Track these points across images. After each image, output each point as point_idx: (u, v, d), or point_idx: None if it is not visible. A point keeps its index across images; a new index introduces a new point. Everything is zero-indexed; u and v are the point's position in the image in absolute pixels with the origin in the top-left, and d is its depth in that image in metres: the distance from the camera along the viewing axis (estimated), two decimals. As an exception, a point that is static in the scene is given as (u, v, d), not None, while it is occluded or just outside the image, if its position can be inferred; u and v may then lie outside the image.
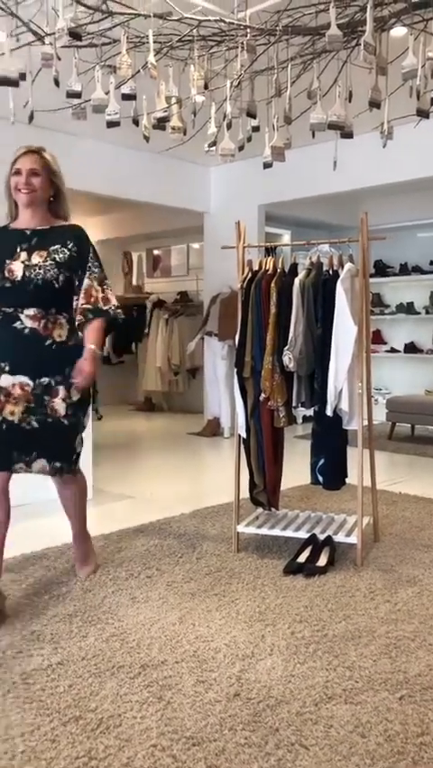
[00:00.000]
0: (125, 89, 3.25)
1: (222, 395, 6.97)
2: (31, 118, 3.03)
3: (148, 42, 3.21)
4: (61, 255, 2.56)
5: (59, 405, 2.55)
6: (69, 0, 2.79)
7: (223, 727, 1.81)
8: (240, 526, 3.30)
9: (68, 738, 1.77)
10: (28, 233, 2.61)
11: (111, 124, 3.13)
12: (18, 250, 2.55)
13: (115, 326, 2.69)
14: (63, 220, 2.69)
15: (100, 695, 1.98)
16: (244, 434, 3.26)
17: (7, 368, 2.52)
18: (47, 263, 2.53)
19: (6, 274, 2.52)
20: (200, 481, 5.26)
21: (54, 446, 2.58)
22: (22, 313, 2.52)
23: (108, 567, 3.03)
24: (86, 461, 4.37)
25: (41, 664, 2.16)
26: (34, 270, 2.51)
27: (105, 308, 2.60)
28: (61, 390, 2.55)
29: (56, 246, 2.57)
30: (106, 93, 3.21)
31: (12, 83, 2.71)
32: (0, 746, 1.73)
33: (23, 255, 2.55)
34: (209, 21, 3.17)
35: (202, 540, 3.43)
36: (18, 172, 2.59)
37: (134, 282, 10.02)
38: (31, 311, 2.52)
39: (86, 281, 2.59)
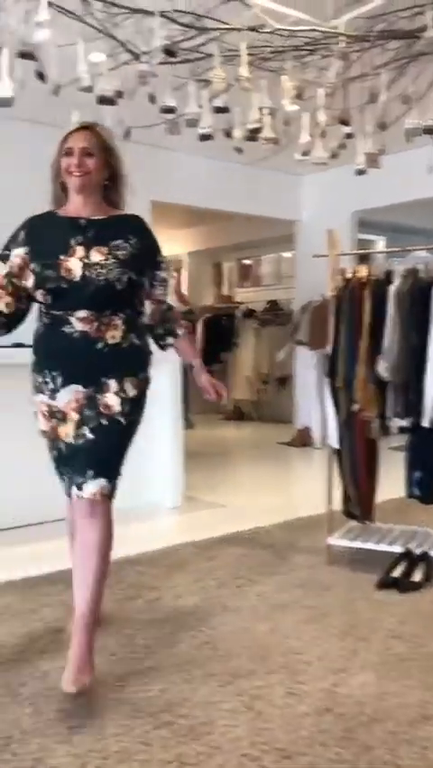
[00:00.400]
0: (218, 103, 3.30)
1: (313, 404, 6.85)
2: (127, 134, 3.12)
3: (241, 56, 3.25)
4: (123, 252, 2.16)
5: (112, 399, 2.15)
6: (164, 19, 2.86)
7: (314, 742, 1.79)
8: (332, 539, 3.25)
9: (160, 742, 1.79)
10: (83, 222, 2.19)
11: (204, 138, 3.19)
12: (72, 243, 2.16)
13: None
14: (119, 209, 2.30)
15: (191, 701, 1.99)
16: (336, 445, 3.22)
17: (60, 380, 2.16)
18: (109, 262, 2.13)
19: (63, 273, 2.12)
20: (291, 492, 5.22)
21: (111, 454, 2.18)
22: (72, 315, 2.14)
23: (199, 575, 3.06)
24: (177, 468, 4.48)
25: (133, 668, 2.20)
26: (96, 270, 2.12)
27: (184, 310, 2.54)
28: (113, 384, 2.15)
29: (117, 241, 2.17)
30: (200, 107, 3.27)
31: (109, 102, 2.81)
32: (95, 745, 1.77)
33: (80, 251, 2.14)
34: (302, 30, 3.17)
35: (293, 551, 3.40)
36: (69, 152, 2.18)
37: (224, 292, 10.11)
38: (82, 313, 2.13)
39: (171, 281, 2.33)
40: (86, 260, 2.13)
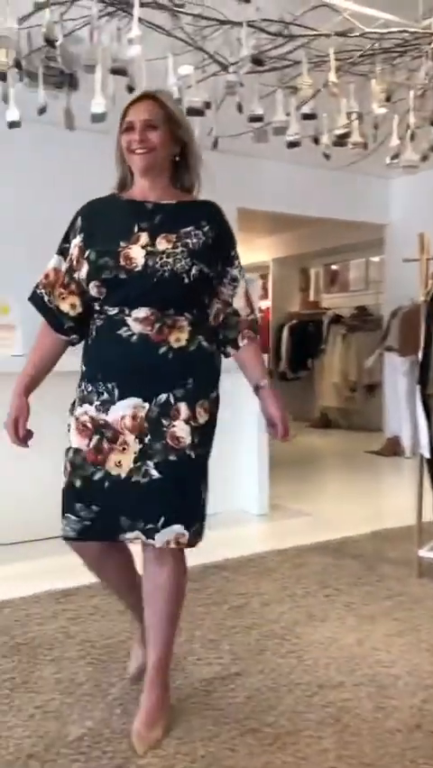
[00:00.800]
0: (306, 109, 3.30)
1: (403, 413, 6.73)
2: (215, 144, 3.16)
3: (329, 61, 3.23)
4: (195, 240, 1.84)
5: (182, 430, 1.80)
6: (252, 29, 2.88)
7: (403, 759, 1.75)
8: (423, 551, 3.16)
9: (246, 749, 1.79)
10: (149, 206, 1.88)
11: (292, 145, 3.19)
12: (136, 229, 1.84)
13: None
14: (192, 192, 1.98)
15: (277, 710, 1.99)
16: (427, 455, 3.13)
17: (116, 392, 1.82)
18: (177, 250, 1.81)
19: (122, 261, 1.80)
20: (379, 502, 5.11)
21: (186, 497, 1.83)
22: (130, 315, 1.81)
23: (286, 583, 3.04)
24: (262, 476, 4.48)
25: (219, 673, 2.21)
26: (161, 259, 1.80)
27: (252, 318, 1.98)
28: (183, 409, 1.81)
29: (188, 228, 1.85)
30: (287, 114, 3.28)
31: (198, 113, 2.86)
32: (182, 748, 1.79)
33: (144, 237, 1.82)
34: (392, 32, 3.13)
35: (381, 562, 3.33)
36: (130, 127, 1.85)
37: (311, 298, 10.03)
38: (142, 312, 1.81)
39: (241, 281, 1.94)
40: (150, 248, 1.81)
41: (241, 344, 1.95)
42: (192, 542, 1.82)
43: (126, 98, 3.03)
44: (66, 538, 1.87)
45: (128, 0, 2.77)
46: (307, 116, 3.33)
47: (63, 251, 1.94)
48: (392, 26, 3.21)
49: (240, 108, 3.10)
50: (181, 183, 1.95)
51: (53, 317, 1.94)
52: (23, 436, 1.89)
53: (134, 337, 1.82)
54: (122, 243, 1.82)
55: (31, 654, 2.34)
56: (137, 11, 2.64)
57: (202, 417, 1.84)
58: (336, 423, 9.15)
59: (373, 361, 7.19)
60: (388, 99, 3.33)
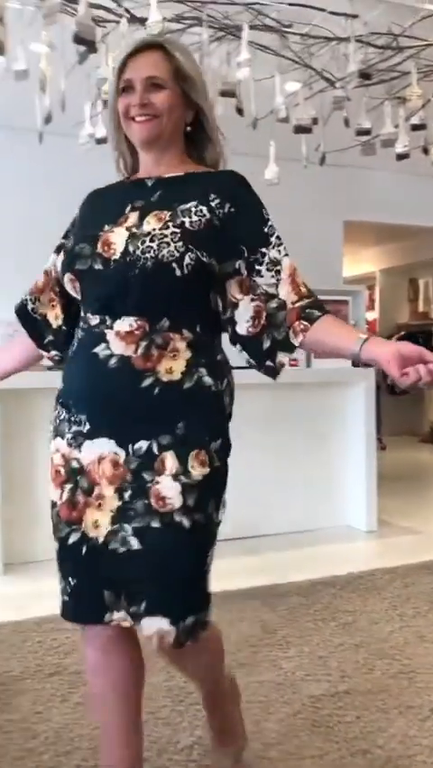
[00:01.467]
0: (415, 120, 3.25)
1: None
2: (322, 160, 3.18)
3: (439, 69, 3.18)
4: (196, 219, 1.37)
5: (168, 488, 1.33)
6: (360, 44, 2.88)
7: None
8: None
9: (355, 770, 1.78)
10: (149, 183, 1.45)
11: (401, 157, 3.15)
12: (128, 209, 1.41)
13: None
14: (211, 167, 1.50)
15: (388, 732, 1.95)
16: None
17: (87, 427, 1.39)
18: (167, 231, 1.34)
19: (100, 248, 1.37)
20: None
21: (166, 583, 1.34)
22: (111, 328, 1.36)
23: (395, 602, 2.98)
24: (370, 491, 4.40)
25: (328, 690, 2.20)
26: (143, 243, 1.33)
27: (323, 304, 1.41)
28: (170, 460, 1.34)
29: (189, 204, 1.38)
30: (396, 126, 3.25)
31: (306, 130, 2.88)
32: (291, 764, 1.80)
33: (133, 217, 1.39)
34: None
35: None
36: (129, 86, 1.41)
37: (421, 309, 9.78)
38: (125, 323, 1.35)
39: (284, 260, 1.40)
40: (134, 230, 1.36)
41: (296, 343, 1.38)
42: (182, 640, 1.33)
43: (236, 120, 3.13)
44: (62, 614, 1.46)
45: (238, 24, 2.84)
46: (416, 127, 3.29)
47: (59, 250, 1.55)
48: None
49: (347, 123, 3.11)
50: (198, 155, 1.49)
51: (35, 328, 1.57)
52: None
53: (113, 360, 1.36)
54: (106, 227, 1.39)
55: (146, 660, 2.41)
56: (246, 34, 2.70)
57: (198, 471, 1.35)
58: (448, 437, 8.85)
59: None
60: None
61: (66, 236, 1.55)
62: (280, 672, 2.33)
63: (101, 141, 2.93)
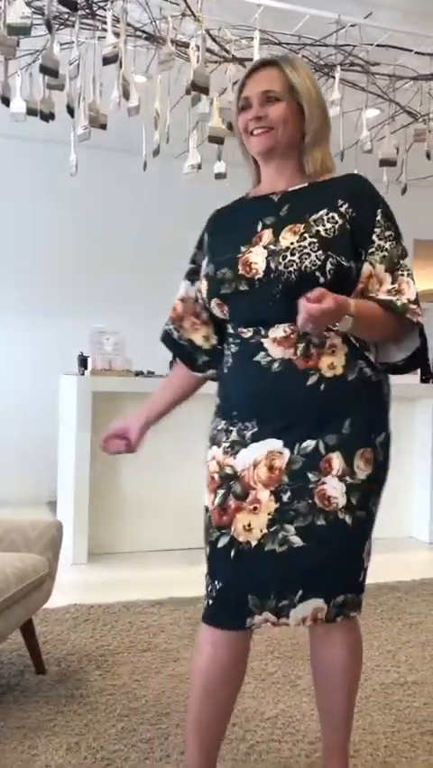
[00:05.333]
0: None
1: None
2: (404, 191, 3.38)
3: None
4: (330, 226, 1.44)
5: (334, 488, 1.43)
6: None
7: None
8: None
9: (425, 746, 1.97)
10: (276, 198, 1.52)
11: None
12: (259, 228, 1.49)
13: (422, 351, 1.52)
14: (330, 172, 1.56)
15: (454, 718, 2.14)
16: None
17: (250, 432, 1.48)
18: (305, 243, 1.42)
19: (242, 269, 1.46)
20: None
21: (333, 567, 1.45)
22: (267, 336, 1.45)
23: (459, 607, 3.15)
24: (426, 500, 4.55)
25: (397, 680, 2.39)
26: (284, 259, 1.42)
27: (385, 298, 1.46)
28: (337, 461, 1.43)
29: (321, 212, 1.45)
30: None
31: (391, 164, 3.10)
32: (366, 737, 2.01)
33: (267, 235, 1.47)
34: None
35: None
36: (247, 104, 1.51)
37: None
38: (279, 330, 1.44)
39: (365, 266, 1.46)
40: (272, 247, 1.44)
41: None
42: (333, 615, 1.45)
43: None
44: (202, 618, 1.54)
45: (330, 63, 3.08)
46: None
47: (190, 276, 1.65)
48: None
49: (429, 156, 3.30)
50: (314, 167, 1.53)
51: (185, 354, 1.68)
52: (104, 438, 1.76)
53: (275, 364, 1.44)
54: (242, 249, 1.48)
55: (225, 644, 2.66)
56: (338, 75, 2.94)
57: (363, 472, 1.45)
58: None
59: None
60: None
61: (194, 260, 1.65)
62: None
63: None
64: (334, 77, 3.02)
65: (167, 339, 1.71)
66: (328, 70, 3.11)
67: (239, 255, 1.48)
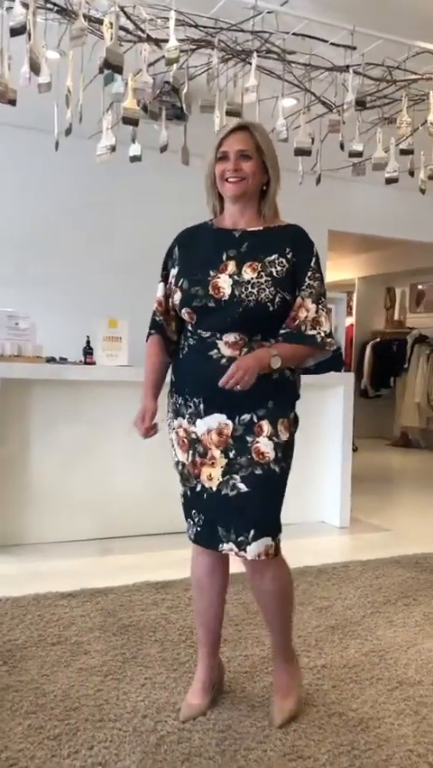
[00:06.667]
0: (404, 145, 3.50)
1: None
2: (318, 181, 3.41)
3: (427, 100, 3.43)
4: (279, 268, 1.93)
5: (265, 445, 1.92)
6: (357, 76, 3.12)
7: None
8: None
9: (332, 729, 2.01)
10: (237, 235, 1.98)
11: (390, 181, 3.40)
12: (224, 258, 1.95)
13: (335, 363, 2.10)
14: (277, 219, 2.04)
15: (360, 699, 2.20)
16: None
17: (202, 406, 1.97)
18: (262, 280, 1.91)
19: (211, 291, 1.92)
20: (458, 521, 5.21)
21: (271, 509, 1.96)
22: (220, 339, 1.94)
23: (367, 591, 3.23)
24: (344, 490, 4.66)
25: (307, 664, 2.43)
26: (246, 289, 1.90)
27: (310, 333, 1.94)
28: (266, 426, 1.93)
29: (273, 256, 1.94)
30: (386, 151, 3.49)
31: (305, 153, 3.11)
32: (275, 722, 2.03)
33: (231, 266, 1.93)
34: None
35: (459, 578, 3.47)
36: (224, 156, 1.95)
37: (396, 317, 10.11)
38: (231, 337, 1.93)
39: (298, 299, 1.95)
40: (236, 278, 1.92)
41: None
42: (277, 551, 1.96)
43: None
44: (191, 540, 2.07)
45: (246, 50, 3.06)
46: (404, 152, 3.54)
47: (164, 278, 2.09)
48: None
49: (342, 146, 3.34)
50: (267, 210, 2.01)
51: (166, 338, 2.11)
52: (146, 428, 2.05)
53: (223, 360, 1.92)
54: (211, 273, 1.94)
55: (137, 635, 2.63)
56: (255, 62, 2.92)
57: (283, 435, 1.95)
58: (417, 443, 9.18)
59: (457, 383, 7.23)
60: None
61: (165, 267, 2.11)
62: (263, 647, 2.56)
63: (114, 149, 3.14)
64: (250, 64, 3.00)
65: (160, 328, 2.10)
66: (245, 56, 3.09)
67: (209, 278, 1.94)
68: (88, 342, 4.20)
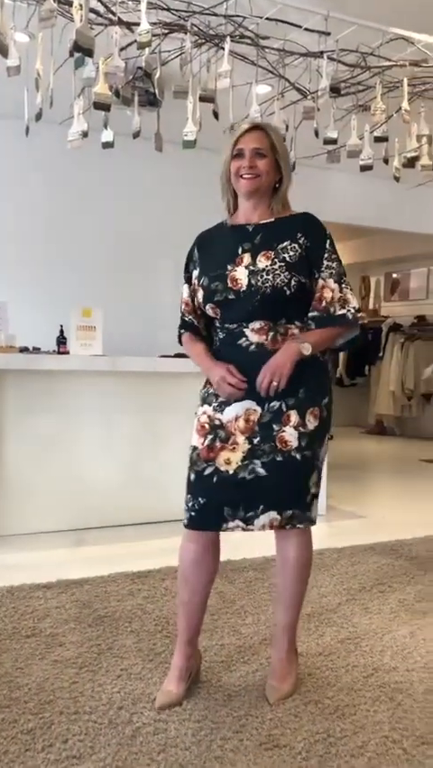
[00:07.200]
0: (378, 133, 3.49)
1: (458, 423, 6.83)
2: (293, 168, 3.38)
3: (402, 87, 3.42)
4: (292, 253, 2.03)
5: (290, 435, 2.00)
6: (331, 62, 3.10)
7: (452, 734, 1.94)
8: (474, 555, 3.31)
9: (308, 717, 2.01)
10: (250, 228, 2.09)
11: (365, 168, 3.39)
12: (240, 251, 2.06)
13: (357, 338, 2.15)
14: (288, 210, 2.15)
15: (336, 686, 2.20)
16: None
17: None
18: (276, 266, 2.01)
19: (230, 284, 2.04)
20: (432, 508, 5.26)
21: (285, 490, 2.04)
22: (247, 327, 2.04)
23: (342, 578, 3.25)
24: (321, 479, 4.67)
25: (283, 652, 2.43)
26: (261, 277, 2.00)
27: (340, 313, 2.05)
28: (294, 416, 2.01)
29: (285, 243, 2.04)
30: (361, 138, 3.48)
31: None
32: (252, 711, 2.02)
33: (247, 258, 2.04)
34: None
35: (434, 564, 3.50)
36: (240, 154, 2.06)
37: (371, 306, 10.16)
38: (257, 324, 2.03)
39: (318, 281, 2.05)
40: (252, 268, 2.03)
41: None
42: (284, 523, 2.03)
43: (212, 122, 3.31)
44: (185, 525, 2.11)
45: (219, 34, 3.02)
46: (379, 139, 3.53)
47: (187, 279, 2.21)
48: (465, 56, 3.38)
49: (317, 133, 3.32)
50: (276, 206, 2.12)
51: (198, 334, 2.22)
52: (238, 380, 2.01)
53: (252, 347, 2.04)
54: (228, 267, 2.06)
55: (113, 626, 2.62)
56: (228, 47, 2.88)
57: (312, 424, 2.04)
58: (392, 430, 9.25)
59: (431, 371, 7.29)
60: (457, 124, 3.50)
61: (187, 269, 2.22)
62: (239, 636, 2.56)
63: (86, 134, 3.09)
64: (223, 49, 2.96)
65: (191, 326, 2.22)
66: (218, 41, 3.05)
67: (227, 272, 2.05)
68: (62, 331, 4.15)
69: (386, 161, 3.77)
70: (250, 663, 2.35)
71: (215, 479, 2.04)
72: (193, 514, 2.07)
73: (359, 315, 2.08)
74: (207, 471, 2.06)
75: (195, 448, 2.10)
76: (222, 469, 2.04)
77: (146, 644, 2.47)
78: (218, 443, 2.06)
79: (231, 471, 2.03)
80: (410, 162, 3.56)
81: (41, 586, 3.00)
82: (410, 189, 6.40)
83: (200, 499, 2.05)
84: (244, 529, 2.05)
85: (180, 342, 2.28)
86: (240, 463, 2.03)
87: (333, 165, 5.02)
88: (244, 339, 2.05)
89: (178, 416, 3.75)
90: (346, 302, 2.06)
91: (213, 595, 2.89)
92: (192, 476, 2.08)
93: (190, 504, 2.07)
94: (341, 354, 9.56)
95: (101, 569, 3.23)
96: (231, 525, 2.05)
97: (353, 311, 2.06)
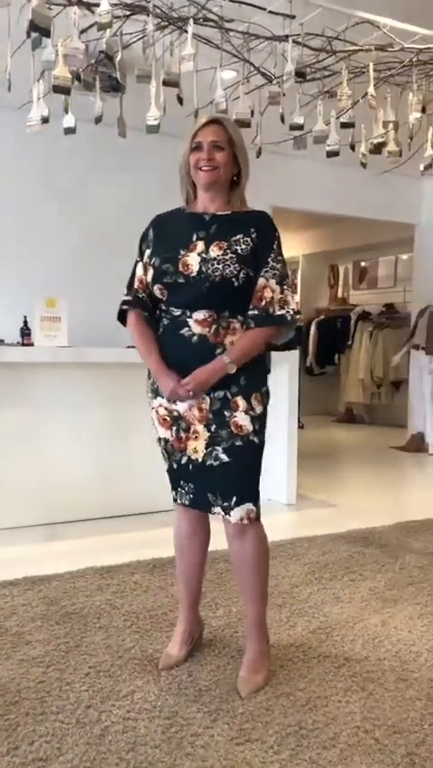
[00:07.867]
0: (344, 118, 3.46)
1: (427, 410, 6.88)
2: (259, 153, 3.34)
3: (367, 73, 3.39)
4: (244, 247, 2.06)
5: (243, 419, 2.07)
6: (296, 46, 3.05)
7: (423, 723, 1.93)
8: (443, 541, 3.32)
9: (280, 709, 1.99)
10: (207, 218, 2.12)
11: (331, 154, 3.35)
12: (194, 238, 2.09)
13: (298, 339, 2.24)
14: (245, 206, 2.19)
15: (307, 678, 2.18)
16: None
17: None
18: (227, 257, 2.04)
19: (181, 268, 2.06)
20: (403, 496, 5.29)
21: (248, 479, 2.12)
22: (190, 317, 2.07)
23: (313, 567, 3.24)
24: (291, 468, 4.67)
25: (254, 645, 2.41)
26: (212, 265, 2.03)
27: (279, 313, 2.08)
28: (241, 402, 2.08)
29: (238, 236, 2.07)
30: (327, 124, 3.44)
31: (245, 125, 3.03)
32: (223, 705, 2.00)
33: (200, 245, 2.07)
34: (430, 48, 3.27)
35: (404, 552, 3.51)
36: (198, 147, 2.09)
37: (339, 294, 10.18)
38: (200, 314, 2.06)
39: (260, 280, 2.07)
40: (204, 255, 2.05)
41: (250, 327, 2.10)
42: (258, 515, 2.15)
43: (176, 108, 3.25)
44: (182, 505, 2.24)
45: (182, 16, 2.95)
46: (345, 125, 3.50)
47: (142, 260, 2.21)
48: (430, 41, 3.36)
49: (283, 119, 3.28)
50: (234, 200, 2.17)
51: (148, 311, 2.21)
52: (183, 385, 2.05)
53: (195, 338, 2.08)
54: (181, 251, 2.09)
55: (81, 622, 2.57)
56: (191, 30, 2.82)
57: (257, 408, 2.12)
58: (361, 418, 9.30)
59: (400, 359, 7.33)
60: (424, 110, 3.48)
61: (141, 250, 2.21)
62: (210, 629, 2.53)
63: (46, 120, 3.00)
64: (186, 32, 2.89)
65: (142, 302, 2.20)
66: (181, 24, 2.98)
67: (179, 257, 2.08)
68: (26, 322, 4.06)
69: (353, 147, 3.74)
70: (221, 657, 2.32)
71: (190, 467, 2.15)
72: (192, 496, 2.19)
73: (297, 317, 2.14)
74: (183, 460, 2.17)
75: (166, 440, 2.20)
76: (193, 457, 2.14)
77: (115, 639, 2.43)
78: (183, 434, 2.15)
79: (200, 459, 2.13)
80: (377, 148, 3.53)
81: (6, 583, 2.94)
82: (377, 176, 6.41)
83: (190, 485, 2.18)
84: (223, 518, 2.13)
85: (122, 320, 2.25)
86: (205, 450, 2.12)
87: (299, 151, 4.99)
88: (186, 329, 2.09)
89: (146, 408, 3.69)
90: (286, 303, 2.11)
91: (183, 588, 2.86)
92: (173, 465, 2.21)
93: (186, 488, 2.19)
94: (310, 343, 9.57)
95: (69, 564, 3.18)
96: (215, 510, 2.14)
97: (291, 312, 2.11)
